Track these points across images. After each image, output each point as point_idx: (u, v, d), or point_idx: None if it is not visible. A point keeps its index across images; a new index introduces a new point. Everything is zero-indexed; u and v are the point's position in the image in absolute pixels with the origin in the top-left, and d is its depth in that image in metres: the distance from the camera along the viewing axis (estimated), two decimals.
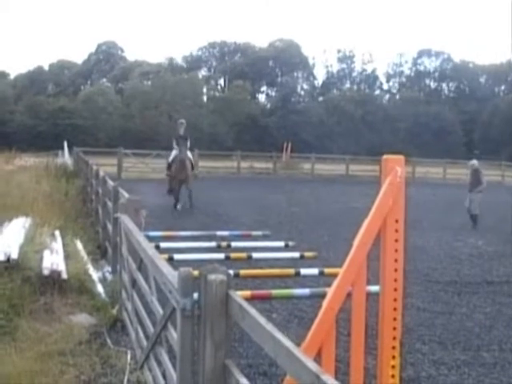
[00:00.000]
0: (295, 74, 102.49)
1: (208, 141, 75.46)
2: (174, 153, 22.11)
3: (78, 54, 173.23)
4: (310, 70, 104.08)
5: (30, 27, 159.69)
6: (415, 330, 8.69)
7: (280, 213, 22.11)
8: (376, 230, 4.88)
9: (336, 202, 26.87)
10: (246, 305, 3.62)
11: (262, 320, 3.35)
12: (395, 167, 4.96)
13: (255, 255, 13.19)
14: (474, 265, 14.00)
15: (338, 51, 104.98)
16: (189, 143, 21.94)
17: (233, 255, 12.90)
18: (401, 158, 5.06)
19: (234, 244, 14.24)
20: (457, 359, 7.63)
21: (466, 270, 13.31)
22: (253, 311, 3.50)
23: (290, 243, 14.72)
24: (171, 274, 4.66)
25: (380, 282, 5.08)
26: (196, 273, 4.04)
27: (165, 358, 5.33)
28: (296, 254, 13.61)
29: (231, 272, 4.13)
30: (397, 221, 4.93)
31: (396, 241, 4.94)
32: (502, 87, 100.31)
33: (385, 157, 5.09)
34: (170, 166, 22.29)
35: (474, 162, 21.44)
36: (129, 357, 7.03)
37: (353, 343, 4.90)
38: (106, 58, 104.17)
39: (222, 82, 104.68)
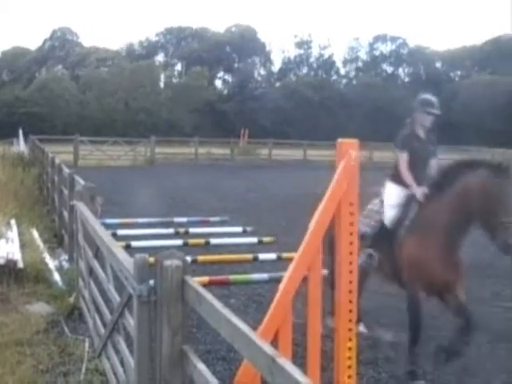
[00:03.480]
0: (252, 59, 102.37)
1: (166, 127, 75.28)
2: (392, 201, 7.53)
3: (33, 40, 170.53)
4: (267, 56, 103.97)
5: None
6: (373, 312, 8.76)
7: (238, 198, 22.10)
8: (331, 213, 4.91)
9: (294, 187, 26.91)
10: (202, 290, 3.62)
11: (219, 305, 3.36)
12: (349, 150, 4.99)
13: (213, 241, 13.22)
14: None
15: (295, 36, 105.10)
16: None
17: (191, 241, 12.89)
18: (354, 141, 5.09)
19: (192, 230, 14.24)
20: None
21: None
22: (209, 296, 3.50)
23: (249, 228, 14.76)
24: (127, 261, 4.64)
25: (336, 264, 5.11)
26: (152, 259, 4.03)
27: (122, 345, 5.32)
28: (254, 239, 13.65)
29: (189, 258, 4.13)
30: (351, 204, 4.97)
31: (351, 224, 4.98)
32: (458, 72, 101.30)
33: (339, 140, 5.13)
34: (375, 241, 7.49)
35: None
36: (87, 345, 7.00)
37: (309, 326, 4.93)
38: (62, 44, 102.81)
39: (179, 67, 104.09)
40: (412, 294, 6.94)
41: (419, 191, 7.10)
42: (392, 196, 7.54)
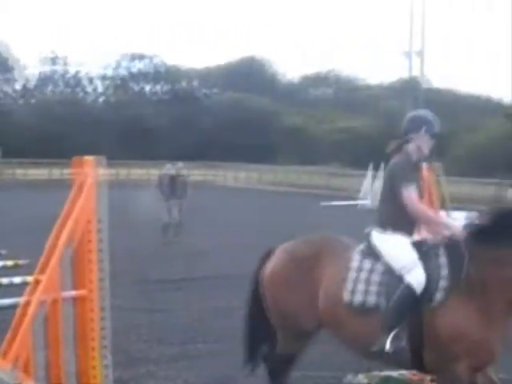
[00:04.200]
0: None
1: None
2: (405, 256, 5.67)
3: None
4: (16, 72, 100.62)
5: None
6: (134, 330, 8.78)
7: None
8: (68, 232, 4.89)
9: (45, 207, 26.13)
10: None
11: None
12: (87, 168, 5.01)
13: None
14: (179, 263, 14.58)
15: (50, 52, 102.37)
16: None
17: None
18: (93, 158, 5.11)
19: None
20: (171, 354, 7.93)
21: (172, 268, 13.80)
22: None
23: (2, 252, 14.20)
24: None
25: (77, 284, 5.11)
26: None
27: None
28: (8, 263, 13.14)
29: None
30: (89, 221, 4.98)
31: (89, 241, 4.99)
32: (214, 90, 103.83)
33: (77, 158, 5.13)
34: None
35: (180, 164, 19.78)
36: None
37: (50, 349, 4.88)
38: None
39: None
40: (460, 376, 5.26)
41: (459, 229, 5.50)
42: (400, 250, 5.64)
